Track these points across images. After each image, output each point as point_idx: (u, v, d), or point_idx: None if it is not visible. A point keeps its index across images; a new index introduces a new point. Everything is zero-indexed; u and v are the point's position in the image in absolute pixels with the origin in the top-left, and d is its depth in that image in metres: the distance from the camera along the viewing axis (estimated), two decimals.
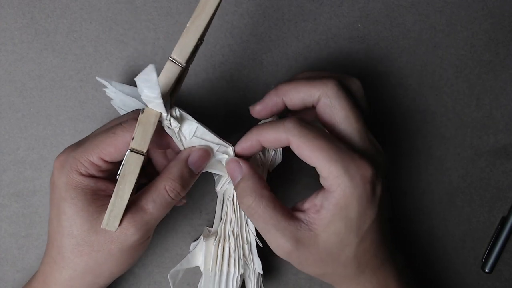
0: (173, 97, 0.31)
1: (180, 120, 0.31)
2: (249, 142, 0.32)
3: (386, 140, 0.40)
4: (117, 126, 0.31)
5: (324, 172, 0.29)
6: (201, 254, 0.37)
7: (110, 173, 0.32)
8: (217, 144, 0.33)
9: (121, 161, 0.30)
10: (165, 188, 0.31)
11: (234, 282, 0.36)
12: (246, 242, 0.36)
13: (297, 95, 0.32)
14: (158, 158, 0.35)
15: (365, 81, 0.40)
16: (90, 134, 0.33)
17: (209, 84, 0.40)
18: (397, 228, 0.41)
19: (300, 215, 0.30)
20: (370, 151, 0.31)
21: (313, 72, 0.34)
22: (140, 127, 0.30)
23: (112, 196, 0.29)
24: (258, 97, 0.39)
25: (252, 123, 0.34)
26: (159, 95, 0.28)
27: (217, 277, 0.35)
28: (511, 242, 0.40)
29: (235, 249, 0.35)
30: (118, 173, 0.29)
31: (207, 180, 0.38)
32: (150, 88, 0.27)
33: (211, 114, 0.40)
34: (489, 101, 0.41)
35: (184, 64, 0.29)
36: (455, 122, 0.41)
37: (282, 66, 0.40)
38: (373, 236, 0.30)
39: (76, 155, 0.31)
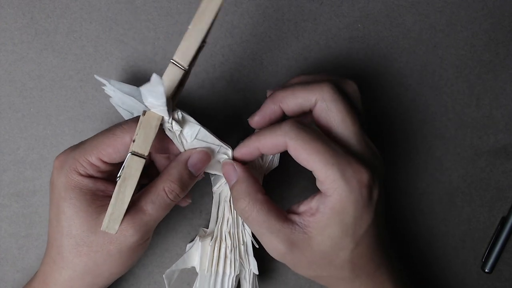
0: (175, 99, 0.30)
1: (182, 123, 0.31)
2: (248, 149, 0.32)
3: (386, 140, 0.40)
4: (116, 127, 0.31)
5: (321, 176, 0.29)
6: (197, 254, 0.37)
7: (110, 174, 0.32)
8: (218, 146, 0.32)
9: (121, 163, 0.30)
10: (164, 190, 0.31)
11: (229, 282, 0.36)
12: (242, 243, 0.36)
13: (294, 100, 0.31)
14: (160, 159, 0.35)
15: (365, 81, 0.40)
16: (93, 135, 0.33)
17: (209, 84, 0.40)
18: (396, 229, 0.41)
19: (295, 217, 0.30)
20: (367, 154, 0.31)
21: (308, 76, 0.34)
22: (141, 130, 0.29)
23: (112, 199, 0.29)
24: (258, 97, 0.39)
25: None
26: (165, 103, 0.27)
27: (212, 277, 0.35)
28: (511, 242, 0.40)
29: (231, 250, 0.35)
30: (118, 175, 0.29)
31: (207, 181, 0.38)
32: (155, 98, 0.27)
33: (211, 114, 0.40)
34: (489, 101, 0.41)
35: (187, 67, 0.28)
36: (455, 122, 0.41)
37: (282, 66, 0.40)
38: (369, 240, 0.30)
39: (75, 155, 0.31)
